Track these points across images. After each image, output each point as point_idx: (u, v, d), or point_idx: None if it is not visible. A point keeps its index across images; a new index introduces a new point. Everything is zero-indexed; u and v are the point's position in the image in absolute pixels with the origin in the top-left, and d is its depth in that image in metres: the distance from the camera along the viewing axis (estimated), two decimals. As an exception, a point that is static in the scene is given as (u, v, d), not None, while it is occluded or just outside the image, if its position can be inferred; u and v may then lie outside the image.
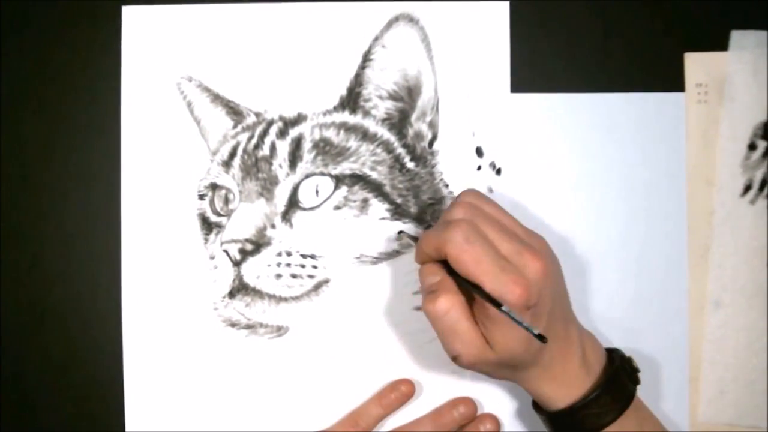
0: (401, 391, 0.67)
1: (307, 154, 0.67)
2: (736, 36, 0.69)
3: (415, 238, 0.62)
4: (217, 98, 0.68)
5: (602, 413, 0.58)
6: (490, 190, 0.68)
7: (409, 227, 0.67)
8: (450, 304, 0.56)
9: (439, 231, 0.57)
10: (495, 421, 0.68)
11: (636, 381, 0.62)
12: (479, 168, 0.69)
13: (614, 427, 0.59)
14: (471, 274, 0.55)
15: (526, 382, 0.60)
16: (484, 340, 0.57)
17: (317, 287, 0.68)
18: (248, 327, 0.68)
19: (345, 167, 0.67)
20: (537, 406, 0.63)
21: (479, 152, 0.69)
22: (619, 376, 0.60)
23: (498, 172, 0.69)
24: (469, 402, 0.68)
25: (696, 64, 0.69)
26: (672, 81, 0.69)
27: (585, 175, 0.69)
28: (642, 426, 0.60)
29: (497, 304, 0.54)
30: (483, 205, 0.60)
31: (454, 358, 0.58)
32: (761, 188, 0.68)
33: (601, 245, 0.69)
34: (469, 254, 0.55)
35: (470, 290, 0.56)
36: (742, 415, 0.68)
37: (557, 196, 0.69)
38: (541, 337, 0.54)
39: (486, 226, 0.57)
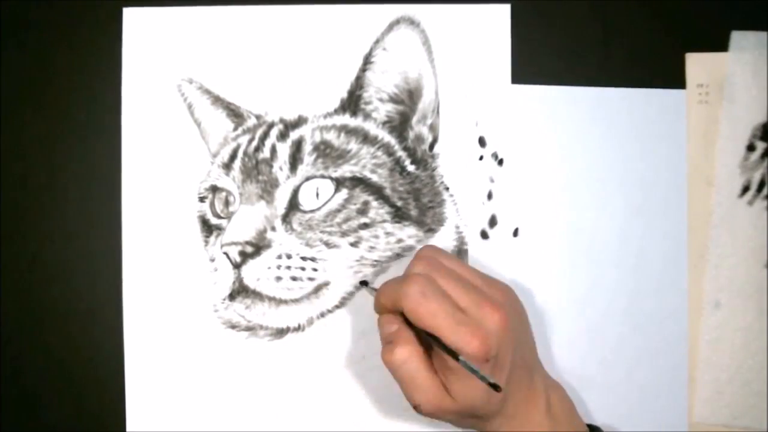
0: None
1: (308, 157, 0.67)
2: (737, 37, 0.69)
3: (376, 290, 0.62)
4: (217, 100, 0.68)
5: None
6: (492, 180, 0.69)
7: (371, 277, 0.68)
8: (407, 354, 0.56)
9: (396, 285, 0.57)
10: None
11: None
12: (481, 158, 0.69)
13: None
14: (428, 327, 0.55)
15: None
16: (443, 389, 0.57)
17: (317, 290, 0.68)
18: (248, 329, 0.68)
19: (345, 170, 0.67)
20: None
21: (482, 142, 0.69)
22: None
23: (500, 162, 0.69)
24: None
25: (697, 64, 0.69)
26: (673, 81, 0.69)
27: (586, 170, 0.69)
28: None
29: (454, 355, 0.54)
30: (442, 258, 0.60)
31: (415, 407, 0.57)
32: (759, 189, 0.69)
33: (600, 241, 0.69)
34: (424, 307, 0.55)
35: (428, 340, 0.56)
36: (738, 415, 0.69)
37: (558, 190, 0.69)
38: (495, 387, 0.53)
39: (444, 280, 0.57)
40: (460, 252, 0.68)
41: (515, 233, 0.69)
